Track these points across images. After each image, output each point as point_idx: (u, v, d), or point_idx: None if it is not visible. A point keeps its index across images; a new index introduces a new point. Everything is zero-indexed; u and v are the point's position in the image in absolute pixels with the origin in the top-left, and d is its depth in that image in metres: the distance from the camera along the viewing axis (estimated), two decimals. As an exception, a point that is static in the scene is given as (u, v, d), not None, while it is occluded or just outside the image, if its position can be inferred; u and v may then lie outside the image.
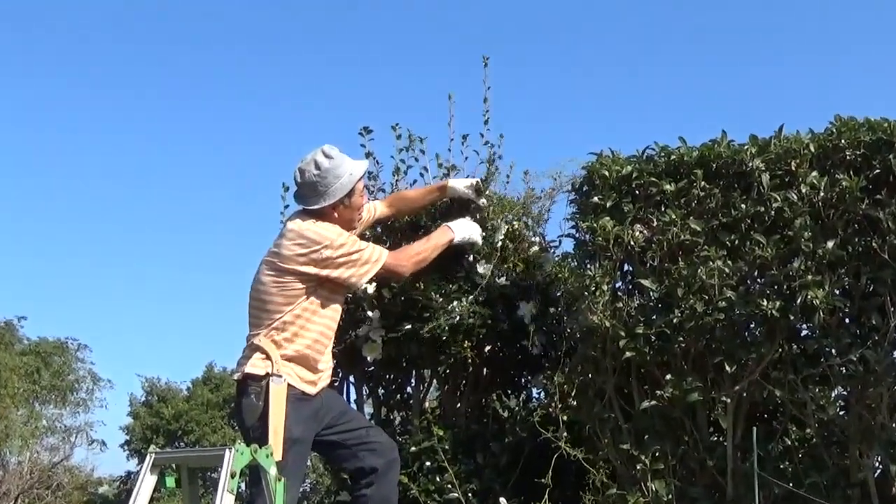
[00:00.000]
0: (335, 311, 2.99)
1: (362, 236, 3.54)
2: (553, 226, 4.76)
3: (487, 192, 3.62)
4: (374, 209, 3.36)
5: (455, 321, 3.56)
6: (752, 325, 3.29)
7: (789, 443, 3.37)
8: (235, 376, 2.92)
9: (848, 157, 3.25)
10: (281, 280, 2.87)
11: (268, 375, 2.79)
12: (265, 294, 2.89)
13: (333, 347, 3.08)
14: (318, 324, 2.92)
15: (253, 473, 2.61)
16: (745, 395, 3.30)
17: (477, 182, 3.53)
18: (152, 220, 41.69)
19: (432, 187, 3.58)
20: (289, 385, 2.81)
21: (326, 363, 2.98)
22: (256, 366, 2.82)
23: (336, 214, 2.97)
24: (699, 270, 3.19)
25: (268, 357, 2.82)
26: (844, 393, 3.28)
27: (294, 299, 2.87)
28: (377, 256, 2.99)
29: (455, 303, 3.56)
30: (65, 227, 40.47)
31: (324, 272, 2.88)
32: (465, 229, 3.32)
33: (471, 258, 3.63)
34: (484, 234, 3.45)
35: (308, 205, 2.95)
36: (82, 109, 41.61)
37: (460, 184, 3.52)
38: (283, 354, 2.84)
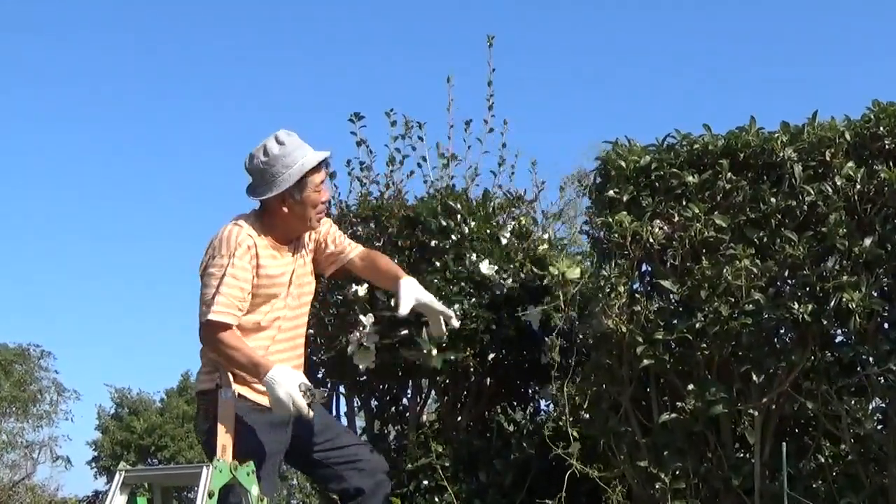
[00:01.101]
0: (266, 329, 2.81)
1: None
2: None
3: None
4: (350, 250, 3.03)
5: (455, 326, 3.54)
6: (782, 331, 3.28)
7: (822, 460, 3.35)
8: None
9: (887, 146, 3.24)
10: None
11: (217, 388, 2.77)
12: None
13: (323, 354, 3.05)
14: (256, 340, 2.77)
15: (222, 493, 2.57)
16: (774, 407, 3.28)
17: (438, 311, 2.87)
18: (122, 224, 41.76)
19: (393, 277, 2.96)
20: (241, 396, 2.78)
21: None
22: (204, 381, 2.82)
23: (285, 209, 2.80)
24: (724, 270, 3.17)
25: (216, 368, 2.79)
26: (883, 405, 3.26)
27: None
28: (215, 312, 2.67)
29: (456, 305, 3.54)
30: (24, 230, 40.47)
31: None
32: (279, 385, 2.63)
33: (473, 256, 3.61)
34: (302, 404, 2.61)
35: (254, 195, 2.85)
36: (47, 112, 41.66)
37: (408, 290, 2.84)
38: (229, 369, 2.80)
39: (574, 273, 3.32)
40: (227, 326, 2.69)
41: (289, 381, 2.63)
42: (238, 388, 2.77)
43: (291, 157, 2.80)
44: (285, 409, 2.63)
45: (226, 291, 2.69)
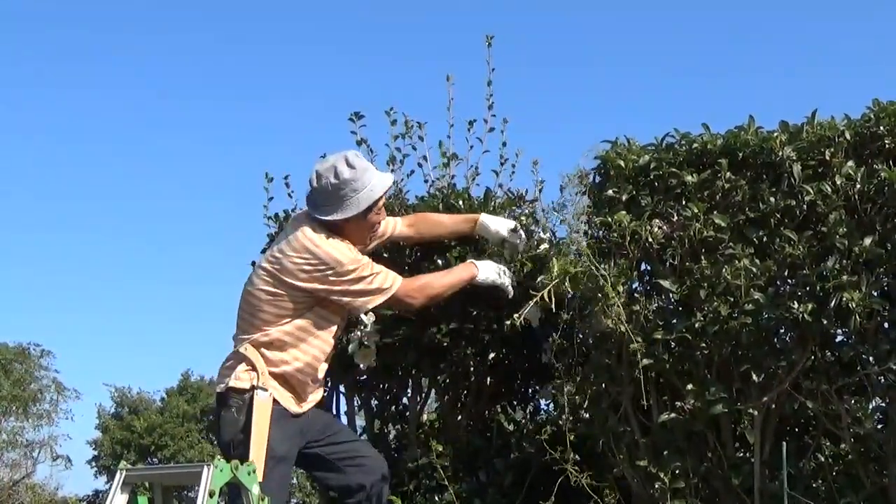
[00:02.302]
0: (331, 334, 2.98)
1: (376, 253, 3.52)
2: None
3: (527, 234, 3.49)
4: (393, 225, 3.31)
5: (456, 325, 3.55)
6: (782, 331, 3.28)
7: (822, 459, 3.37)
8: (218, 388, 2.93)
9: (887, 146, 3.24)
10: (277, 291, 2.87)
11: (253, 388, 2.79)
12: (257, 301, 2.90)
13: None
14: (312, 347, 2.91)
15: (230, 492, 2.61)
16: (773, 406, 3.30)
17: (516, 225, 3.45)
18: (122, 224, 41.74)
19: (463, 218, 3.50)
20: (274, 400, 2.82)
21: (316, 387, 2.98)
22: (241, 378, 2.84)
23: (347, 229, 2.96)
24: (724, 270, 3.18)
25: (253, 368, 2.82)
26: (883, 405, 3.27)
27: (287, 314, 2.87)
28: (389, 284, 2.97)
29: (457, 305, 3.55)
30: (24, 230, 40.46)
31: (324, 295, 2.89)
32: (491, 270, 3.23)
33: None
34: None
35: (319, 214, 2.94)
36: (47, 111, 41.66)
37: (494, 223, 3.43)
38: (271, 371, 2.85)
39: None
40: (404, 283, 2.99)
41: (497, 267, 3.25)
42: (273, 391, 2.82)
43: (360, 181, 2.92)
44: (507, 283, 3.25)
45: (377, 269, 2.96)
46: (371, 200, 2.93)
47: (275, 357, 2.86)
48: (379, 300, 2.96)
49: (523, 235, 3.46)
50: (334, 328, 2.99)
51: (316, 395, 3.02)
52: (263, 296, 2.88)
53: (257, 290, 2.90)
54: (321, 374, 3.00)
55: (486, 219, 3.41)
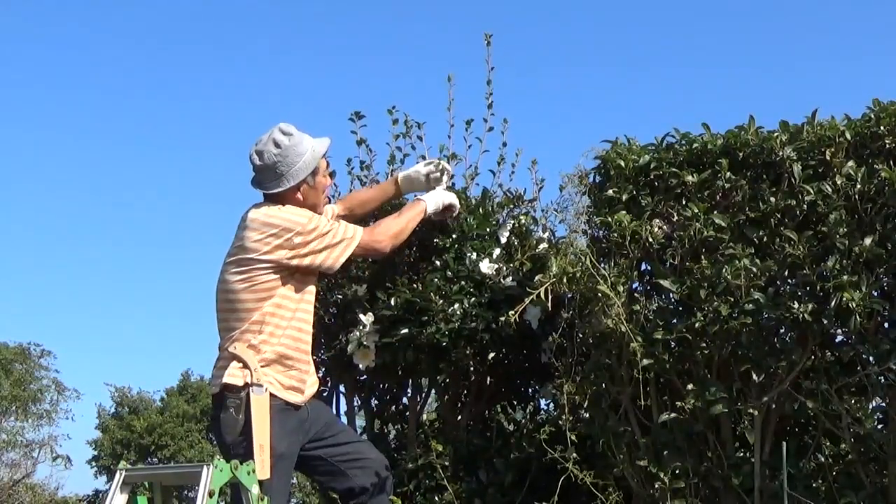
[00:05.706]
0: (310, 296, 3.00)
1: None
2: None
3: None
4: (332, 212, 3.32)
5: (456, 325, 3.55)
6: (782, 330, 3.29)
7: (822, 459, 3.37)
8: (212, 390, 2.92)
9: (887, 146, 3.24)
10: (248, 275, 2.87)
11: (247, 386, 2.78)
12: (232, 294, 2.89)
13: (323, 354, 3.08)
14: (295, 315, 2.91)
15: (234, 492, 2.61)
16: (773, 406, 3.30)
17: (441, 164, 3.47)
18: (122, 224, 41.75)
19: (385, 184, 3.57)
20: (271, 395, 2.81)
21: (309, 363, 2.98)
22: (234, 376, 2.81)
23: (300, 197, 2.98)
24: (724, 270, 3.19)
25: (245, 366, 2.81)
26: (883, 404, 3.28)
27: (265, 293, 2.87)
28: (351, 233, 3.00)
29: (456, 305, 3.56)
30: (24, 229, 40.47)
31: (294, 262, 2.89)
32: (437, 197, 3.33)
33: (474, 255, 3.63)
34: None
35: (269, 189, 2.96)
36: (48, 111, 41.69)
37: (411, 171, 3.47)
38: (263, 359, 2.83)
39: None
40: (366, 231, 3.04)
41: (441, 192, 3.36)
42: (268, 386, 2.80)
43: (301, 145, 2.98)
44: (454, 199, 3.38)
45: (334, 224, 2.99)
46: (317, 159, 2.98)
47: (264, 341, 2.85)
48: (348, 251, 2.97)
49: (443, 166, 3.46)
50: (312, 287, 3.00)
51: (312, 381, 3.00)
52: (238, 286, 2.87)
53: (230, 284, 2.89)
54: (309, 344, 2.99)
55: (402, 172, 3.51)
